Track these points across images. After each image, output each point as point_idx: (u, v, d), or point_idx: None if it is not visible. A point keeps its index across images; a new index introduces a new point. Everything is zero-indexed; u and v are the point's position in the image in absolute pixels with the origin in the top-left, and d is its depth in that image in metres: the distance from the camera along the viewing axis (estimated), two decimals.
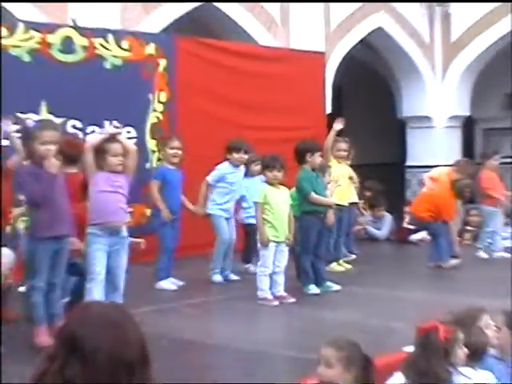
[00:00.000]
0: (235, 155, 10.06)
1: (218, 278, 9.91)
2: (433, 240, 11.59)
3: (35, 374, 2.44)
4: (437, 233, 11.44)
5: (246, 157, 10.16)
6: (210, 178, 10.01)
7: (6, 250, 7.13)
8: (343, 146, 11.22)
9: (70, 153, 7.49)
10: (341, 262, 10.85)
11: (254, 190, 9.56)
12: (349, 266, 10.80)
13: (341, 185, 10.71)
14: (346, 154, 11.24)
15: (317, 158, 9.36)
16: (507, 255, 12.03)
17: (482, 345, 5.59)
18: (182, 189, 9.76)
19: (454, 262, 11.12)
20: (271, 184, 8.84)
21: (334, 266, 10.65)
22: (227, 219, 10.10)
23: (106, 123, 10.55)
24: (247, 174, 10.35)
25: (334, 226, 10.20)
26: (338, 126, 10.76)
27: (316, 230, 9.27)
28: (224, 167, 10.09)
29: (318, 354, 4.57)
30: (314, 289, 9.11)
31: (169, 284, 9.46)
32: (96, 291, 7.15)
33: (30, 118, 9.01)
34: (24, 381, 5.20)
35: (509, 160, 16.72)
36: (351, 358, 4.48)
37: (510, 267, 10.18)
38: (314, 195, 9.22)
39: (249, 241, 10.52)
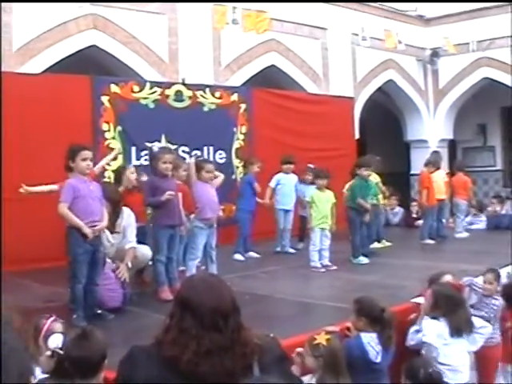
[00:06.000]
0: (284, 166, 10.03)
1: (278, 249, 9.94)
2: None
3: (162, 329, 2.48)
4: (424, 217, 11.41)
5: (292, 167, 10.07)
6: (271, 184, 9.99)
7: (146, 247, 7.16)
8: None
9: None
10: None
11: (308, 194, 9.31)
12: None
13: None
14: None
15: (363, 171, 9.22)
16: (467, 234, 11.80)
17: None
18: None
19: (428, 241, 10.89)
20: (319, 188, 8.71)
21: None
22: (286, 211, 10.00)
23: (205, 148, 10.67)
24: (305, 183, 10.21)
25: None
26: None
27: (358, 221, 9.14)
28: (278, 175, 10.06)
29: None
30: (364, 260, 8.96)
31: (240, 256, 9.37)
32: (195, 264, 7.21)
33: (155, 145, 9.04)
34: (153, 320, 5.26)
35: (479, 169, 17.37)
36: (360, 310, 4.57)
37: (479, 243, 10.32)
38: (359, 200, 9.04)
39: (302, 227, 10.40)
